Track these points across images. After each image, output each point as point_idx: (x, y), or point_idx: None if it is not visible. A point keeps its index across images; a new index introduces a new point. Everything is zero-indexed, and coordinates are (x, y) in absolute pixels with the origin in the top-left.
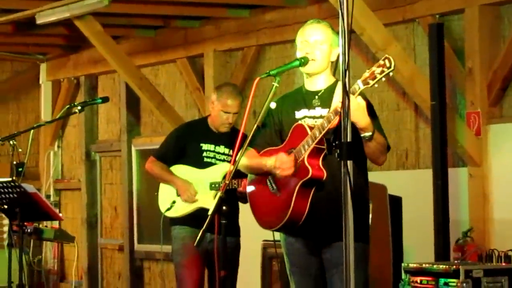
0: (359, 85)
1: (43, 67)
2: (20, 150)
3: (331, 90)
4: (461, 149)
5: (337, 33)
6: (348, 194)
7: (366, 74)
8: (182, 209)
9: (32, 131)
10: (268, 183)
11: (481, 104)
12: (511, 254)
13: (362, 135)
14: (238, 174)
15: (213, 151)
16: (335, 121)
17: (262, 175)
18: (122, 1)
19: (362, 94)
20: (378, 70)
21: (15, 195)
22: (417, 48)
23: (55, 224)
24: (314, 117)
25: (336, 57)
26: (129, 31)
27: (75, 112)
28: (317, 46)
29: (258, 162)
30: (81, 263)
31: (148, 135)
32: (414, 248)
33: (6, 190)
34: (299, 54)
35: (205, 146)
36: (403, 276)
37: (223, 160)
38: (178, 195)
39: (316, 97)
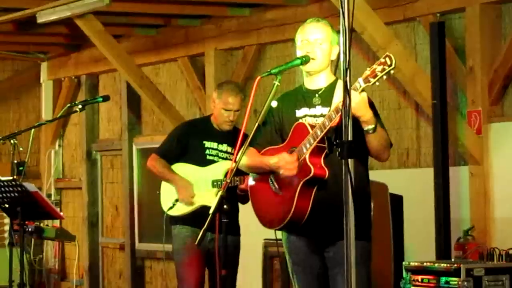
0: (360, 83)
1: (44, 66)
2: (21, 149)
3: (331, 88)
4: (462, 148)
5: (337, 31)
6: (349, 193)
7: (367, 72)
8: (184, 207)
9: (33, 130)
10: (270, 182)
11: (482, 103)
12: None
13: (365, 128)
14: (240, 173)
15: (216, 149)
16: (336, 119)
17: (264, 174)
18: (123, 0)
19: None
20: (379, 68)
21: (16, 194)
22: (418, 46)
23: (56, 223)
24: (314, 116)
25: (336, 55)
26: (130, 30)
27: (76, 111)
28: (317, 45)
29: (260, 161)
30: (82, 262)
31: (149, 134)
32: (415, 247)
33: (7, 189)
34: (299, 53)
35: (208, 144)
36: (404, 274)
37: (226, 159)
38: None
39: (317, 95)
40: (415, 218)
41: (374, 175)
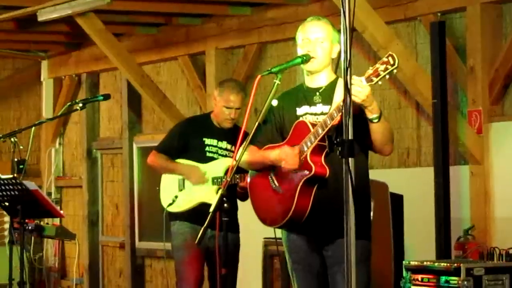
0: (362, 82)
1: (44, 64)
2: (21, 147)
3: (332, 87)
4: (463, 147)
5: (338, 30)
6: (350, 191)
7: (370, 71)
8: (184, 204)
9: (33, 128)
10: (270, 179)
11: (483, 102)
12: None
13: (370, 117)
14: (240, 170)
15: (216, 146)
16: (338, 118)
17: (264, 171)
18: None
19: None
20: (382, 67)
21: (16, 192)
22: (419, 46)
23: (56, 221)
24: (315, 114)
25: (337, 54)
26: (131, 28)
27: (76, 110)
28: (318, 43)
29: (261, 155)
30: (82, 261)
31: (149, 132)
32: (415, 246)
33: (7, 187)
34: (300, 52)
35: (208, 141)
36: (404, 273)
37: (225, 156)
38: (180, 189)
39: (317, 93)
40: (415, 218)
41: (374, 174)
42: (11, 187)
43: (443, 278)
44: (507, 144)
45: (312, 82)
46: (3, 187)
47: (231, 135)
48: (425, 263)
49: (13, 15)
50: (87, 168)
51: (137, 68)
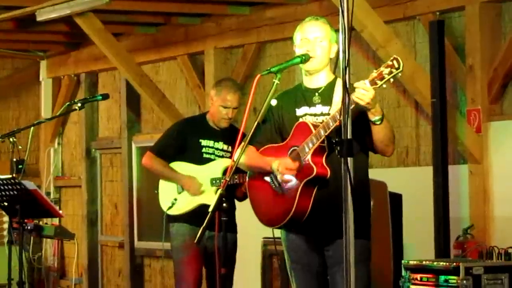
0: (366, 85)
1: (43, 64)
2: (20, 147)
3: (331, 87)
4: (462, 146)
5: (336, 30)
6: (349, 191)
7: (374, 74)
8: (184, 206)
9: (32, 128)
10: (270, 180)
11: (482, 101)
12: (511, 251)
13: (373, 119)
14: (239, 171)
15: (212, 147)
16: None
17: (264, 172)
18: None
19: None
20: (386, 70)
21: (15, 192)
22: (418, 45)
23: (55, 221)
24: (315, 115)
25: (335, 53)
26: (130, 28)
27: (75, 109)
28: (317, 43)
29: (261, 162)
30: (81, 260)
31: (148, 132)
32: (414, 245)
33: (6, 187)
34: (298, 52)
35: (204, 142)
36: (403, 273)
37: (222, 156)
38: (179, 192)
39: (316, 94)
40: (414, 217)
41: (373, 174)
42: (10, 187)
43: (442, 278)
44: (506, 143)
45: (310, 82)
46: (2, 187)
47: (227, 135)
48: (424, 262)
49: (12, 15)
50: (86, 168)
51: (136, 68)
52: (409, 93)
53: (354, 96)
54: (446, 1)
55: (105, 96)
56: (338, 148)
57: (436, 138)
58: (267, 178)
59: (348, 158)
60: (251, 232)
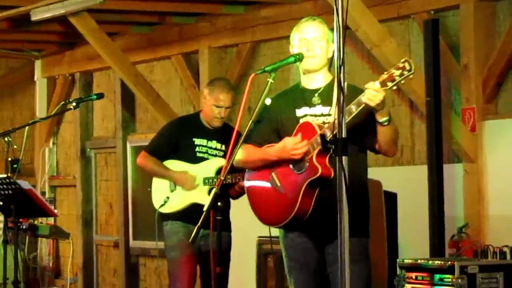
0: (377, 87)
1: (38, 63)
2: (15, 146)
3: (330, 87)
4: (456, 145)
5: (331, 29)
6: (344, 190)
7: (384, 75)
8: (176, 205)
9: (27, 127)
10: (271, 179)
11: (476, 100)
12: (506, 250)
13: (380, 120)
14: (233, 170)
15: (206, 146)
16: (348, 120)
17: (263, 170)
18: None
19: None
20: (397, 72)
21: (10, 192)
22: (412, 44)
23: (50, 220)
24: (315, 115)
25: (332, 53)
26: (124, 27)
27: (70, 109)
28: (316, 43)
29: (262, 153)
30: (76, 260)
31: (143, 131)
32: (409, 244)
33: (1, 186)
34: (296, 51)
35: (197, 141)
36: (398, 272)
37: (215, 155)
38: (172, 190)
39: (316, 95)
40: (409, 216)
41: (368, 173)
42: (5, 186)
43: (437, 276)
44: (500, 142)
45: (309, 82)
46: None
47: (221, 134)
48: (419, 261)
49: (6, 15)
50: (81, 168)
51: (131, 67)
52: (403, 92)
53: (364, 97)
54: (440, 0)
55: (100, 96)
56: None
57: (431, 137)
58: (268, 177)
59: (344, 157)
60: (246, 231)
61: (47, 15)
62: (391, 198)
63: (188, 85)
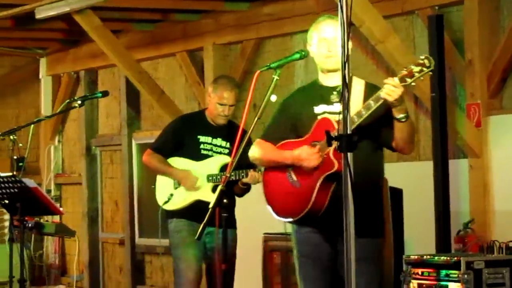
0: (396, 82)
1: (42, 61)
2: (20, 145)
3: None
4: (461, 141)
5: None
6: (349, 186)
7: (404, 71)
8: (180, 202)
9: (32, 125)
10: (288, 174)
11: (481, 96)
12: None
13: (398, 116)
14: (239, 167)
15: (210, 144)
16: (365, 116)
17: (281, 166)
18: None
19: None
20: (417, 68)
21: (16, 190)
22: (417, 40)
23: (56, 218)
24: (333, 113)
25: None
26: (128, 25)
27: (75, 107)
28: (335, 42)
29: (278, 156)
30: (82, 257)
31: (148, 128)
32: (415, 240)
33: (6, 185)
34: (314, 51)
35: (202, 139)
36: (404, 267)
37: (220, 153)
38: (176, 187)
39: (334, 92)
40: (414, 211)
41: None
42: (10, 184)
43: (443, 272)
44: (505, 137)
45: (327, 80)
46: (2, 185)
47: (225, 132)
48: (425, 257)
49: (11, 13)
50: (86, 165)
51: (135, 65)
52: (408, 88)
53: (383, 92)
54: None
55: (105, 93)
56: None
57: (436, 132)
58: (285, 172)
59: (349, 153)
60: (252, 228)
61: (52, 13)
62: (396, 194)
63: (192, 82)
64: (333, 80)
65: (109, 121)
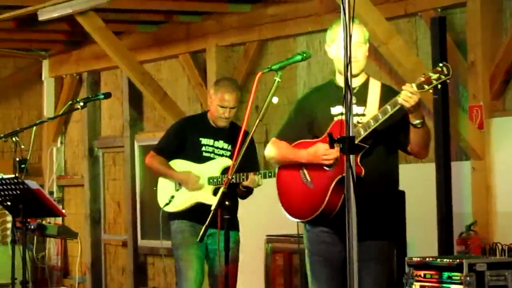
0: (414, 88)
1: (45, 63)
2: (23, 146)
3: (365, 87)
4: (464, 143)
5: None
6: (351, 188)
7: (422, 78)
8: (180, 204)
9: (34, 127)
10: (302, 174)
11: (484, 97)
12: None
13: (414, 122)
14: (240, 169)
15: (212, 146)
16: (382, 120)
17: (295, 167)
18: None
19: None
20: (435, 76)
21: (18, 192)
22: (419, 41)
23: (58, 220)
24: None
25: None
26: (131, 26)
27: (77, 108)
28: (357, 47)
29: (293, 155)
30: (84, 259)
31: (150, 130)
32: (418, 242)
33: (9, 186)
34: (334, 53)
35: (204, 141)
36: (407, 270)
37: (222, 155)
38: (177, 189)
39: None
40: (417, 213)
41: None
42: (13, 186)
43: (445, 274)
44: (508, 139)
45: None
46: (5, 187)
47: (227, 134)
48: (427, 259)
49: (14, 15)
50: (88, 167)
51: (138, 66)
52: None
53: (400, 98)
54: None
55: (107, 95)
56: (340, 145)
57: (438, 134)
58: (299, 172)
59: (351, 156)
60: (254, 230)
61: (54, 14)
62: (399, 196)
63: (195, 84)
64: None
65: (111, 123)
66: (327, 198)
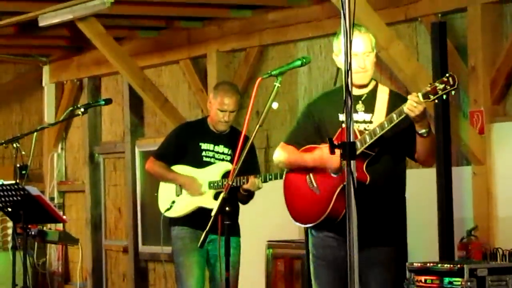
0: (420, 98)
1: (46, 69)
2: (23, 152)
3: (373, 94)
4: (465, 148)
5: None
6: (352, 195)
7: (428, 88)
8: (181, 209)
9: (35, 133)
10: (308, 179)
11: (484, 102)
12: None
13: (420, 131)
14: (240, 173)
15: (212, 151)
16: (388, 128)
17: (302, 171)
18: (125, 3)
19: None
20: (441, 86)
21: (19, 198)
22: (420, 46)
23: (59, 226)
24: (357, 122)
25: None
26: (132, 32)
27: (78, 114)
28: (365, 57)
29: (300, 160)
30: (85, 265)
31: (151, 136)
32: (419, 247)
33: (10, 192)
34: (342, 61)
35: (204, 146)
36: (408, 275)
37: (222, 160)
38: (178, 195)
39: (360, 101)
40: (418, 219)
41: None
42: (13, 192)
43: (446, 279)
44: (509, 144)
45: (354, 88)
46: (5, 193)
47: (228, 138)
48: (428, 264)
49: (14, 20)
50: (89, 172)
51: (139, 72)
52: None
53: (405, 108)
54: (448, 3)
55: (108, 101)
56: (341, 150)
57: (439, 139)
58: (305, 177)
59: (352, 161)
60: (255, 235)
61: (55, 20)
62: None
63: (196, 89)
64: (359, 88)
65: (112, 128)
66: (331, 205)
